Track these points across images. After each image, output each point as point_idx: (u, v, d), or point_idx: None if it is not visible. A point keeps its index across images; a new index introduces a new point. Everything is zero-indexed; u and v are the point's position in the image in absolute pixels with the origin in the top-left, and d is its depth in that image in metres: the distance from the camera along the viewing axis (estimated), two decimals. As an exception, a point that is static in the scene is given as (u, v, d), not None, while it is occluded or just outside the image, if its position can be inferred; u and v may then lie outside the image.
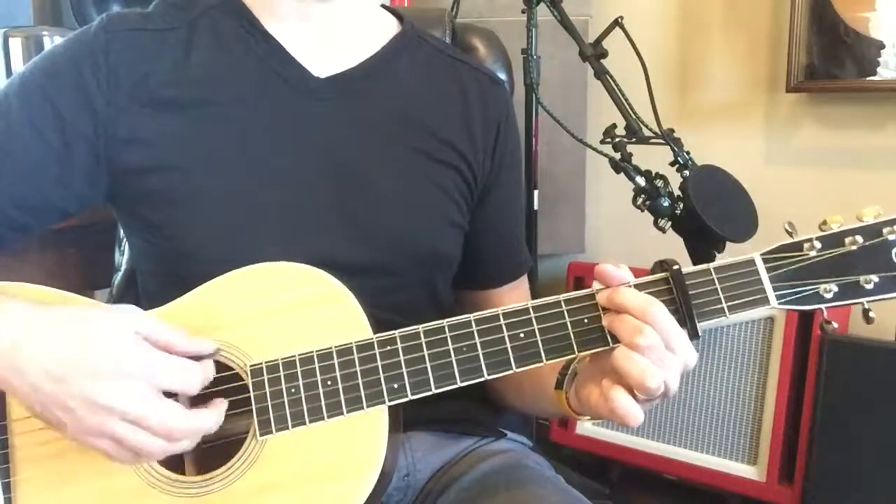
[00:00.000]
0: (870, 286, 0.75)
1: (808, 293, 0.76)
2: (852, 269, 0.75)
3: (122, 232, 1.21)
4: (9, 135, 0.86)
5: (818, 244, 0.76)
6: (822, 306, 0.76)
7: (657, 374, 0.72)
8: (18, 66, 1.39)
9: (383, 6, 1.04)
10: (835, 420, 1.69)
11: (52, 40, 1.44)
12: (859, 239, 0.75)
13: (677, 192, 1.47)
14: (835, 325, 0.78)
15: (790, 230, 0.77)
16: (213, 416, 0.76)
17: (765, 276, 0.76)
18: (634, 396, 0.73)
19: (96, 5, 1.60)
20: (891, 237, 0.75)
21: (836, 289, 0.75)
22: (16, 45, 1.42)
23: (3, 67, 1.44)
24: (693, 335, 0.75)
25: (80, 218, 1.16)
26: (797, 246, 0.76)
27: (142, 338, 0.74)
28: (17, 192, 0.87)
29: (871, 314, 0.76)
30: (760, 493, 1.79)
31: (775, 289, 0.76)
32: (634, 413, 0.73)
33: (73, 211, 0.91)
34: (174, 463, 0.79)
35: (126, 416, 0.72)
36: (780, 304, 0.76)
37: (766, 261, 0.76)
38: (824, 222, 0.77)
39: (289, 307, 0.80)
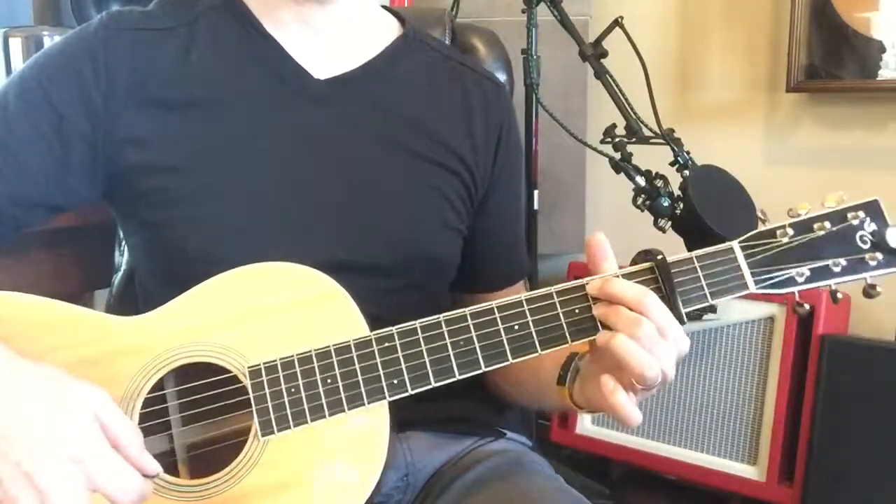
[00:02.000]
0: (838, 269, 0.79)
1: (782, 277, 0.79)
2: (822, 254, 0.79)
3: (121, 232, 1.21)
4: (7, 131, 0.86)
5: (790, 231, 0.79)
6: (795, 289, 0.80)
7: (654, 364, 0.74)
8: (18, 66, 1.39)
9: (384, 7, 1.03)
10: (835, 420, 1.69)
11: (52, 40, 1.44)
12: (827, 225, 0.79)
13: (677, 192, 1.47)
14: (807, 306, 0.83)
15: (763, 217, 0.81)
16: None
17: (743, 263, 0.79)
18: (633, 387, 0.75)
19: (96, 5, 1.60)
20: (854, 222, 0.80)
21: (808, 273, 0.79)
22: (16, 45, 1.42)
23: (3, 67, 1.44)
24: (679, 321, 0.77)
25: (79, 218, 1.17)
26: (771, 233, 0.80)
27: (98, 423, 0.69)
28: (15, 189, 0.87)
29: (839, 295, 0.81)
30: (760, 493, 1.79)
31: (753, 274, 0.79)
32: (635, 416, 0.76)
33: (67, 208, 0.91)
34: (168, 467, 0.79)
35: (45, 502, 0.66)
36: (757, 288, 0.79)
37: (743, 248, 0.79)
38: (791, 209, 0.80)
39: (284, 308, 0.79)
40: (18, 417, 0.67)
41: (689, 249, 1.45)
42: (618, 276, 0.77)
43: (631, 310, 0.75)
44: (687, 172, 1.47)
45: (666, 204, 1.47)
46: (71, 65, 0.87)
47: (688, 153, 1.51)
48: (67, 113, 0.86)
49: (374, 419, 0.78)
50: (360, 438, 0.78)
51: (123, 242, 1.22)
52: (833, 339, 1.70)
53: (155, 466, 0.72)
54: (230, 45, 0.92)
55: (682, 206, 1.45)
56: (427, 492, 0.95)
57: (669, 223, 1.47)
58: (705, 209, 1.40)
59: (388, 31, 1.00)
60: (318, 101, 0.92)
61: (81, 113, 0.86)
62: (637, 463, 1.96)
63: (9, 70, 1.42)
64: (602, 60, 1.58)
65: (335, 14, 0.94)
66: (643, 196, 1.49)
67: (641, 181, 1.49)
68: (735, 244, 0.79)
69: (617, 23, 1.55)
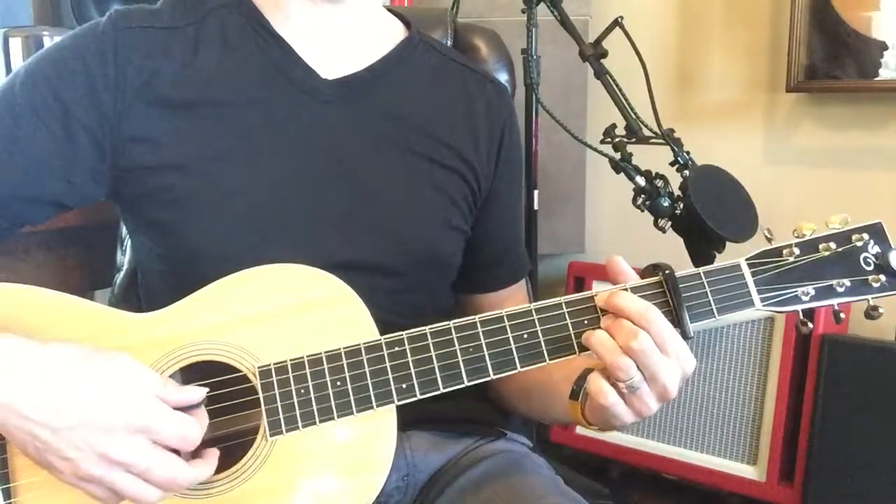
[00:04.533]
0: (842, 289, 0.81)
1: (788, 296, 0.81)
2: (827, 274, 0.81)
3: (123, 231, 1.21)
4: (15, 126, 0.86)
5: (797, 250, 0.81)
6: (799, 307, 0.81)
7: (627, 364, 0.75)
8: (18, 65, 1.39)
9: (388, 9, 1.04)
10: (835, 420, 1.69)
11: (52, 40, 1.43)
12: (832, 245, 0.81)
13: (677, 192, 1.47)
14: (810, 325, 0.84)
15: (769, 236, 0.82)
16: (209, 466, 0.76)
17: (750, 281, 0.81)
18: (618, 388, 0.77)
19: (96, 5, 1.59)
20: (859, 244, 0.82)
21: (812, 292, 0.81)
22: (16, 45, 1.42)
23: (3, 67, 1.44)
24: (685, 335, 0.78)
25: (81, 218, 1.17)
26: (777, 252, 0.82)
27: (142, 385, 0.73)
28: (21, 183, 0.86)
29: (842, 315, 0.83)
30: (760, 493, 1.80)
31: (759, 292, 0.81)
32: (612, 399, 0.77)
33: (73, 206, 0.91)
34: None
35: (131, 469, 0.71)
36: (763, 305, 0.81)
37: (750, 266, 0.81)
38: (796, 229, 0.82)
39: (295, 309, 0.80)
40: (73, 403, 0.70)
41: (689, 249, 1.47)
42: (626, 290, 0.79)
43: (634, 323, 0.76)
44: (687, 172, 1.47)
45: (666, 204, 1.47)
46: (80, 62, 0.87)
47: (688, 153, 1.51)
48: (75, 110, 0.86)
49: (381, 423, 0.79)
50: (367, 441, 0.78)
51: (125, 241, 1.22)
52: (833, 339, 1.70)
53: (200, 392, 0.76)
54: (238, 43, 0.92)
55: (682, 206, 1.45)
56: (427, 491, 0.96)
57: (669, 223, 1.48)
58: (705, 209, 1.40)
59: (393, 33, 1.00)
60: (325, 101, 0.92)
61: (89, 110, 0.86)
62: (637, 463, 1.97)
63: (9, 70, 1.42)
64: (602, 60, 1.58)
65: (344, 12, 0.94)
66: (643, 196, 1.49)
67: (641, 181, 1.49)
68: (742, 261, 0.81)
69: (617, 23, 1.55)
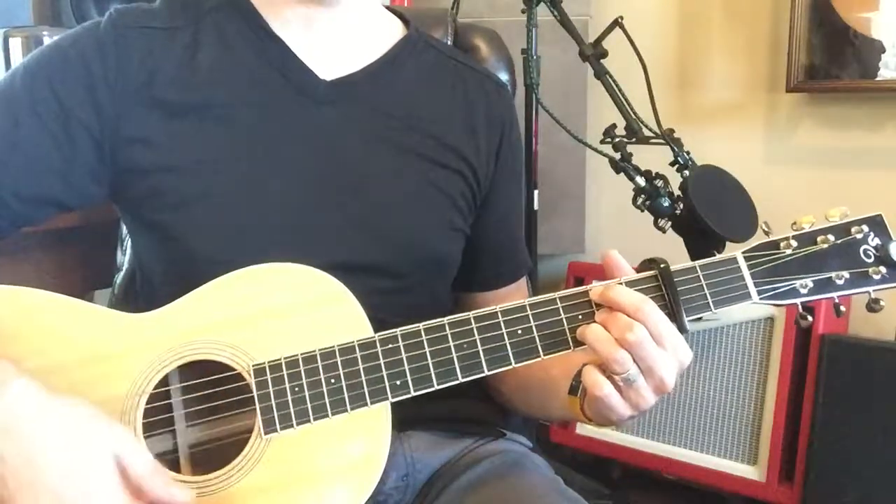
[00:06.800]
0: (841, 282, 0.80)
1: (785, 288, 0.80)
2: (825, 266, 0.80)
3: (123, 231, 1.21)
4: (14, 125, 0.86)
5: (794, 243, 0.80)
6: (798, 301, 0.80)
7: (623, 357, 0.75)
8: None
9: (388, 7, 1.04)
10: (835, 420, 1.69)
11: (52, 40, 1.44)
12: (831, 238, 0.80)
13: (677, 192, 1.47)
14: (809, 318, 0.83)
15: (766, 230, 0.81)
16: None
17: (746, 273, 0.80)
18: (614, 381, 0.76)
19: (96, 5, 1.60)
20: (858, 236, 0.81)
21: (811, 284, 0.80)
22: (16, 44, 1.42)
23: (3, 67, 1.44)
24: (681, 329, 0.78)
25: (81, 218, 1.17)
26: (775, 244, 0.81)
27: (119, 468, 0.69)
28: (20, 183, 0.86)
29: (842, 308, 0.81)
30: (760, 493, 1.80)
31: (756, 284, 0.80)
32: (607, 390, 0.76)
33: (72, 206, 0.90)
34: (170, 463, 0.79)
35: None
36: (760, 299, 0.80)
37: (747, 258, 0.80)
38: (795, 223, 0.81)
39: (290, 308, 0.80)
40: (40, 472, 0.67)
41: (689, 249, 1.47)
42: (620, 283, 0.78)
43: (629, 316, 0.76)
44: (687, 172, 1.47)
45: (666, 204, 1.47)
46: (80, 61, 0.87)
47: (688, 153, 1.51)
48: (75, 110, 0.86)
49: (376, 420, 0.79)
50: (362, 439, 0.78)
51: (126, 241, 1.22)
52: (833, 339, 1.70)
53: (184, 497, 0.72)
54: (237, 44, 0.92)
55: (682, 206, 1.45)
56: (426, 491, 0.96)
57: (669, 223, 1.47)
58: (705, 209, 1.40)
59: (392, 31, 1.00)
60: (323, 102, 0.92)
61: (89, 110, 0.86)
62: (637, 463, 1.97)
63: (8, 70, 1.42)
64: (602, 60, 1.58)
65: (340, 14, 0.94)
66: (643, 196, 1.49)
67: (641, 181, 1.49)
68: (738, 254, 0.80)
69: (617, 23, 1.55)
